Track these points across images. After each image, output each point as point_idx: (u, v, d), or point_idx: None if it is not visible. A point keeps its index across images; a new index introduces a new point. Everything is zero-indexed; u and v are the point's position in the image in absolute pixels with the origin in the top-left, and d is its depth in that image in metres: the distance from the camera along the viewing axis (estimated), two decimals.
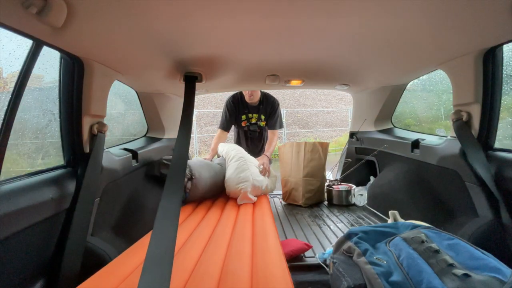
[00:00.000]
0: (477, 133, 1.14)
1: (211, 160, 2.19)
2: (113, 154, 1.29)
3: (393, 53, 1.24)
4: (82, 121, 1.06)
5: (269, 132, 2.55)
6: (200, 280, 0.83)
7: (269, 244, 1.07)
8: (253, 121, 2.50)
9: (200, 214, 1.54)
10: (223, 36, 1.01)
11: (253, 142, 2.62)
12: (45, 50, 0.85)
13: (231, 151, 2.02)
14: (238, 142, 2.67)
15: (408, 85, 1.88)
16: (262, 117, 2.48)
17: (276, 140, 2.58)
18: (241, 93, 2.43)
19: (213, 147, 2.57)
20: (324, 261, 1.08)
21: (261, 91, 2.44)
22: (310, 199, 2.01)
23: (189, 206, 1.66)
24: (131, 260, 0.95)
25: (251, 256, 1.00)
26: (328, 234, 1.47)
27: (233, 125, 2.60)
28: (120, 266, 0.91)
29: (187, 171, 1.65)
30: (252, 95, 2.36)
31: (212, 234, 1.25)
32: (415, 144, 1.54)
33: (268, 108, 2.46)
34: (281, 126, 2.56)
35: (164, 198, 0.85)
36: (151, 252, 0.69)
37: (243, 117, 2.49)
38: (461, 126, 1.18)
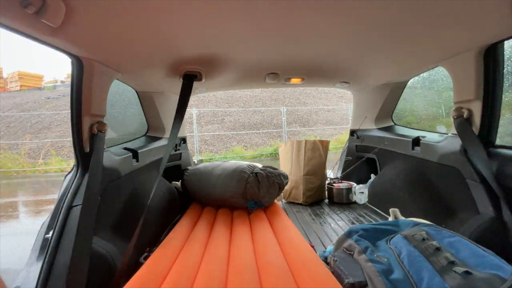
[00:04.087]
0: (478, 130, 1.13)
1: None
2: (113, 154, 1.29)
3: (394, 50, 1.24)
4: (82, 121, 1.06)
5: None
6: (240, 273, 0.89)
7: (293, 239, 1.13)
8: None
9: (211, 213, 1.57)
10: (223, 35, 1.01)
11: None
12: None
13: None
14: None
15: (409, 83, 1.87)
16: None
17: None
18: None
19: None
20: (325, 259, 1.08)
21: None
22: (311, 197, 2.02)
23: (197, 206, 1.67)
24: (163, 263, 0.98)
25: (281, 249, 1.06)
26: (328, 232, 1.47)
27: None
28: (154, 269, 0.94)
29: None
30: None
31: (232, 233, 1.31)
32: (416, 141, 1.53)
33: None
34: None
35: None
36: None
37: None
38: (462, 123, 1.17)
